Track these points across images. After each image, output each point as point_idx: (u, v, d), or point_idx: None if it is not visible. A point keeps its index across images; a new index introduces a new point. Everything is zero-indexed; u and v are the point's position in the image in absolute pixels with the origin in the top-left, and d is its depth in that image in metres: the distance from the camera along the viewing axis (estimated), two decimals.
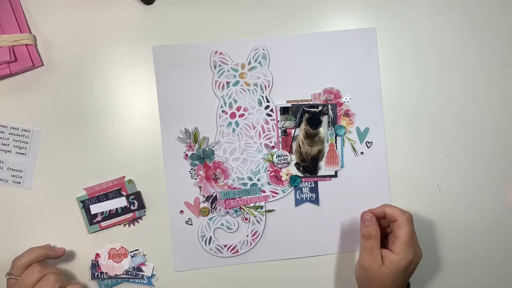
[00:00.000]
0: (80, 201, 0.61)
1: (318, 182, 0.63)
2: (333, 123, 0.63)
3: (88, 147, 0.62)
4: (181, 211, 0.63)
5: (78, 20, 0.62)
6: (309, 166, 0.63)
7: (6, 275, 0.56)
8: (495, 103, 0.65)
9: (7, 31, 0.60)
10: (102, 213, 0.62)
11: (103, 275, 0.62)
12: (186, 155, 0.63)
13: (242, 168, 0.63)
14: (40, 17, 0.62)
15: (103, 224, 0.62)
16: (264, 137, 0.63)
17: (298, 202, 0.63)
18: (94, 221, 0.62)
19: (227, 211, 0.63)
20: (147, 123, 0.63)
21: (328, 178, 0.64)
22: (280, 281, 0.64)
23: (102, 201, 0.62)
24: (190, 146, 0.63)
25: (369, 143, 0.64)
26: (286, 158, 0.63)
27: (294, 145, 0.63)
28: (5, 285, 0.56)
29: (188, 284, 0.63)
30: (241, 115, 0.63)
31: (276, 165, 0.63)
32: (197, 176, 0.63)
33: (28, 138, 0.62)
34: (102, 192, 0.62)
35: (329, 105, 0.63)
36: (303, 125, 0.63)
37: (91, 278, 0.62)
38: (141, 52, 0.63)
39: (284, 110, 0.63)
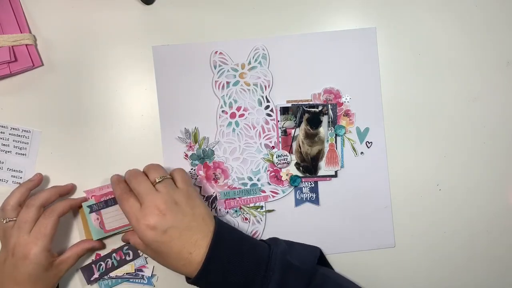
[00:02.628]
0: (87, 206, 0.59)
1: (318, 182, 0.63)
2: (333, 123, 0.63)
3: (88, 147, 0.62)
4: None
5: (78, 20, 0.62)
6: (309, 166, 0.63)
7: (1, 220, 0.56)
8: (495, 103, 0.65)
9: (7, 31, 0.60)
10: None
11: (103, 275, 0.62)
12: (186, 155, 0.63)
13: (242, 168, 0.63)
14: (40, 17, 0.62)
15: (108, 227, 0.60)
16: (264, 137, 0.63)
17: (298, 202, 0.63)
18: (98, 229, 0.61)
19: (227, 211, 0.63)
20: (147, 123, 0.63)
21: (328, 178, 0.64)
22: None
23: (111, 205, 0.60)
24: (190, 146, 0.63)
25: (369, 143, 0.64)
26: (286, 158, 0.63)
27: (294, 145, 0.63)
28: None
29: (189, 284, 0.63)
30: (241, 115, 0.63)
31: (276, 165, 0.63)
32: (197, 176, 0.63)
33: (28, 138, 0.62)
34: (109, 196, 0.60)
35: (329, 105, 0.63)
36: (303, 125, 0.63)
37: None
38: (141, 52, 0.63)
39: (284, 110, 0.63)
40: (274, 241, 0.58)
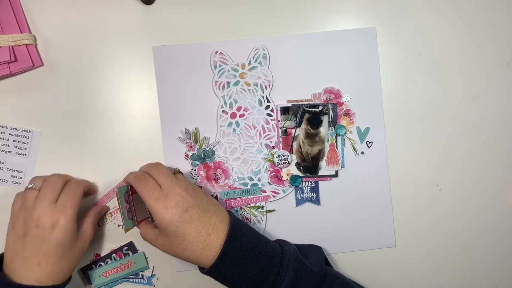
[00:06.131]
0: (120, 189, 0.57)
1: (319, 182, 0.63)
2: (334, 123, 0.63)
3: (88, 147, 0.62)
4: None
5: (78, 20, 0.62)
6: (309, 166, 0.63)
7: (25, 189, 0.56)
8: (495, 103, 0.65)
9: (7, 31, 0.60)
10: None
11: None
12: (187, 155, 0.63)
13: (242, 168, 0.63)
14: (40, 17, 0.62)
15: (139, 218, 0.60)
16: (264, 137, 0.63)
17: (299, 202, 0.63)
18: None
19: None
20: (147, 123, 0.63)
21: (328, 178, 0.64)
22: None
23: None
24: (191, 146, 0.63)
25: (369, 142, 0.64)
26: (287, 158, 0.63)
27: (295, 145, 0.63)
28: None
29: (189, 284, 0.63)
30: (242, 115, 0.63)
31: (276, 165, 0.63)
32: (198, 176, 0.63)
33: (28, 138, 0.61)
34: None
35: (330, 105, 0.63)
36: (303, 125, 0.63)
37: None
38: (141, 52, 0.63)
39: (285, 110, 0.63)
40: (282, 241, 0.59)
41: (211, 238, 0.52)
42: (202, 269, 0.54)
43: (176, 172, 0.58)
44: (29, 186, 0.56)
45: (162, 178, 0.54)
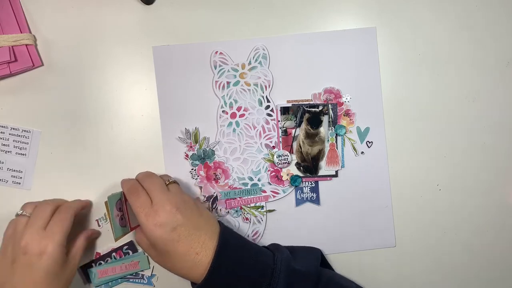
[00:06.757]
0: (111, 198, 0.57)
1: (319, 182, 0.63)
2: (334, 123, 0.63)
3: (88, 147, 0.62)
4: None
5: (78, 20, 0.62)
6: (309, 166, 0.63)
7: (15, 215, 0.56)
8: (495, 103, 0.65)
9: (7, 31, 0.60)
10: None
11: None
12: (187, 155, 0.63)
13: (242, 168, 0.63)
14: (40, 17, 0.62)
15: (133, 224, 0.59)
16: (264, 137, 0.63)
17: (299, 202, 0.63)
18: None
19: (228, 211, 0.63)
20: (147, 123, 0.63)
21: (328, 178, 0.64)
22: None
23: None
24: (191, 146, 0.63)
25: (369, 142, 0.64)
26: (287, 158, 0.63)
27: (295, 145, 0.63)
28: None
29: (188, 284, 0.62)
30: (242, 115, 0.63)
31: (276, 165, 0.63)
32: (198, 176, 0.63)
33: (28, 138, 0.61)
34: None
35: (330, 105, 0.63)
36: (303, 125, 0.63)
37: None
38: (141, 52, 0.63)
39: (285, 110, 0.63)
40: (276, 247, 0.58)
41: (199, 257, 0.51)
42: (194, 284, 0.54)
43: (170, 183, 0.56)
44: (19, 213, 0.56)
45: (153, 192, 0.53)
